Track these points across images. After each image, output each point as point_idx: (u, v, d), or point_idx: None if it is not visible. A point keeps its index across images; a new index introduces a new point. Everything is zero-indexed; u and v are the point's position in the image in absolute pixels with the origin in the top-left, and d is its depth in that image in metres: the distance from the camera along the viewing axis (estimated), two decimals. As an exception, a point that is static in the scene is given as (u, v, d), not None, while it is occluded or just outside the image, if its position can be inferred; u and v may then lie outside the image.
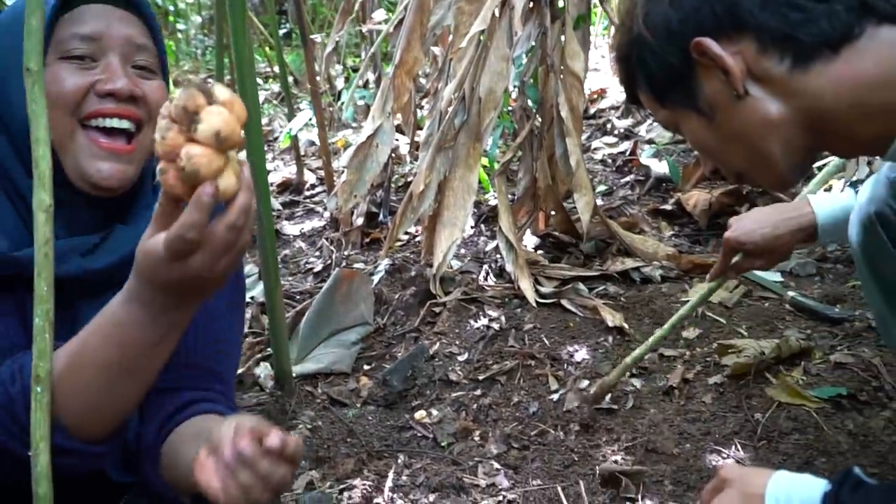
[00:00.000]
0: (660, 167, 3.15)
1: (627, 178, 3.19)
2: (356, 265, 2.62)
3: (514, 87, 2.50)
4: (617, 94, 4.47)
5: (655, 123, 3.85)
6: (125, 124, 0.99)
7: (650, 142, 3.50)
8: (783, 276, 2.20)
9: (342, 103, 3.00)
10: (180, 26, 6.49)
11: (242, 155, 0.77)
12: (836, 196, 1.40)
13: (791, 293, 2.04)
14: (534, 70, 2.32)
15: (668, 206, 2.83)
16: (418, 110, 3.24)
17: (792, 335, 1.81)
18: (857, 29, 0.89)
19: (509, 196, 2.44)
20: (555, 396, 1.80)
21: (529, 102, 2.37)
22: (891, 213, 1.14)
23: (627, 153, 3.40)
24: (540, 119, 2.35)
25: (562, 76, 2.24)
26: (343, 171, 3.00)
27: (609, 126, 3.91)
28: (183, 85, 0.76)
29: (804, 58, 0.91)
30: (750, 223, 1.46)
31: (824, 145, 0.99)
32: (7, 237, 0.96)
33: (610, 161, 3.46)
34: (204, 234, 0.75)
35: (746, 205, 2.74)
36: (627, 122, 3.94)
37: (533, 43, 2.29)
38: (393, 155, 2.97)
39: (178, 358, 0.94)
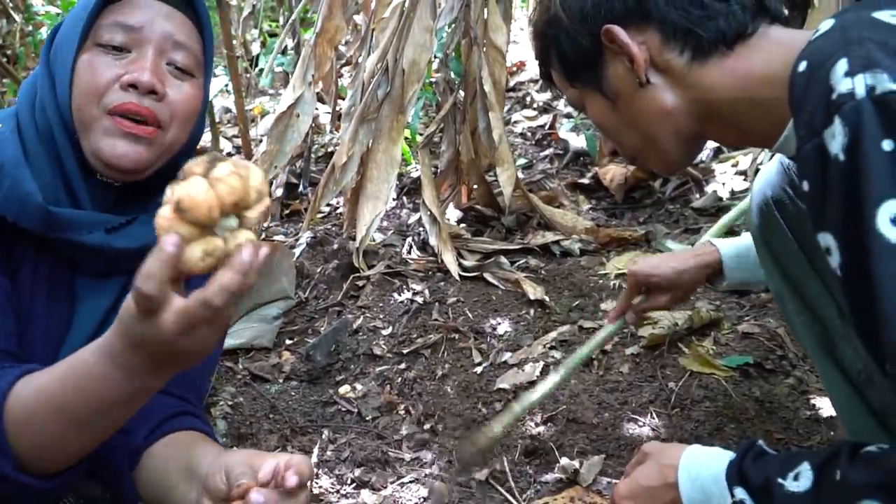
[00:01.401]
0: (578, 141, 3.21)
1: (547, 152, 3.24)
2: (276, 237, 2.57)
3: (437, 58, 2.48)
4: (536, 67, 4.51)
5: (573, 97, 3.91)
6: (142, 119, 0.99)
7: (568, 116, 3.55)
8: (694, 250, 2.28)
9: (260, 69, 2.91)
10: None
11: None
12: (737, 238, 1.48)
13: (702, 266, 2.12)
14: (457, 43, 2.31)
15: (585, 180, 2.89)
16: (339, 79, 3.18)
17: (703, 307, 1.89)
18: (751, 28, 0.97)
19: (432, 169, 2.44)
20: (478, 370, 1.83)
21: (452, 75, 2.37)
22: (786, 199, 1.22)
23: (547, 127, 3.45)
24: (463, 92, 2.35)
25: (484, 49, 2.24)
26: (261, 140, 2.93)
27: (528, 99, 3.94)
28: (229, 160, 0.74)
29: (702, 52, 0.98)
30: (656, 260, 1.50)
31: (714, 135, 1.06)
32: (44, 192, 0.96)
33: (529, 134, 3.49)
34: (165, 295, 0.71)
35: (660, 179, 2.83)
36: (546, 95, 3.99)
37: (456, 15, 2.28)
38: (313, 124, 2.91)
39: None
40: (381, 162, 2.22)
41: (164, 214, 0.71)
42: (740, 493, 0.91)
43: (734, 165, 2.90)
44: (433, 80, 2.69)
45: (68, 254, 1.00)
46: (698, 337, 1.81)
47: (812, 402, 1.58)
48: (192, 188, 0.70)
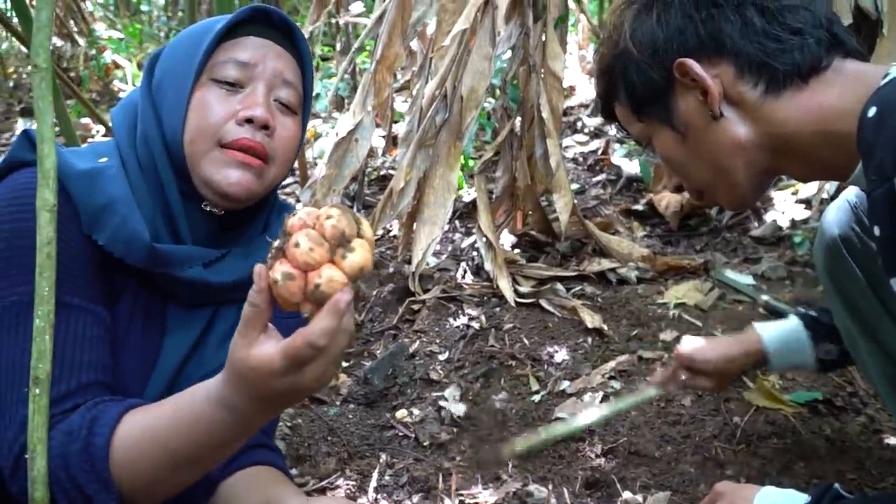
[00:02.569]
0: (631, 167, 3.19)
1: (599, 178, 3.22)
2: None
3: (494, 85, 2.50)
4: (587, 91, 4.51)
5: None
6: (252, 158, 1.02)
7: (621, 141, 3.53)
8: (755, 280, 2.24)
9: (317, 94, 2.96)
10: (144, 7, 6.33)
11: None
12: (781, 322, 1.47)
13: (764, 297, 2.08)
14: (515, 70, 2.32)
15: (639, 207, 2.87)
16: (394, 104, 3.21)
17: (767, 339, 1.85)
18: (826, 61, 0.97)
19: (487, 195, 2.44)
20: (536, 398, 1.81)
21: (510, 102, 2.38)
22: (855, 238, 1.20)
23: (599, 152, 3.44)
24: (520, 119, 2.35)
25: (542, 76, 2.25)
26: (316, 162, 2.97)
27: (580, 124, 3.94)
28: (339, 207, 0.78)
29: (777, 85, 0.97)
30: (703, 344, 1.50)
31: (786, 169, 1.05)
32: (148, 226, 0.99)
33: (581, 159, 3.48)
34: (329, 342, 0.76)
35: (716, 208, 2.79)
36: (597, 120, 3.97)
37: (514, 42, 2.29)
38: (366, 148, 2.95)
39: None
40: (437, 187, 2.23)
41: (338, 279, 0.76)
42: None
43: (794, 194, 2.85)
44: (487, 106, 2.71)
45: (165, 286, 1.02)
46: (764, 371, 1.77)
47: (886, 441, 1.53)
48: (369, 256, 0.78)
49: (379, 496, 1.59)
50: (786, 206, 2.78)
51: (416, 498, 1.58)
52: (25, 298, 0.87)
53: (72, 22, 4.88)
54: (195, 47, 1.02)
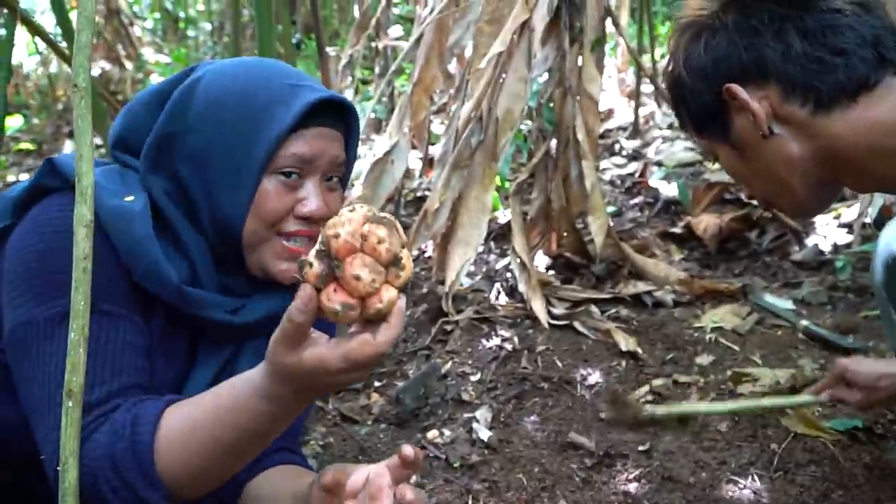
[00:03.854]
0: (669, 190, 3.16)
1: (636, 200, 3.20)
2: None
3: (530, 107, 2.50)
4: (625, 114, 4.50)
5: (663, 146, 3.86)
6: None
7: (659, 164, 3.51)
8: (795, 305, 2.20)
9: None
10: (191, 33, 6.51)
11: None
12: None
13: (804, 322, 2.04)
14: (550, 92, 2.33)
15: (677, 230, 2.84)
16: (430, 125, 3.24)
17: (806, 365, 1.81)
18: (874, 78, 1.00)
19: (522, 216, 2.44)
20: (571, 419, 1.79)
21: (545, 124, 2.38)
22: None
23: (636, 175, 3.42)
24: (555, 141, 2.36)
25: (578, 99, 2.25)
26: (353, 184, 3.01)
27: (617, 147, 3.92)
28: (381, 222, 0.79)
29: (824, 104, 1.01)
30: (867, 360, 1.54)
31: (847, 181, 1.08)
32: (177, 272, 1.02)
33: (618, 182, 3.47)
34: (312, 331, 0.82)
35: (756, 230, 2.76)
36: (636, 142, 3.96)
37: (550, 65, 2.30)
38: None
39: None
40: (472, 208, 2.24)
41: (398, 299, 0.80)
42: None
43: (836, 218, 2.79)
44: (524, 128, 2.72)
45: (194, 322, 1.05)
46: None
47: (929, 471, 1.49)
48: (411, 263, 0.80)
49: (408, 516, 1.58)
50: (827, 230, 2.72)
51: (445, 519, 1.57)
52: (63, 309, 0.90)
53: (119, 46, 5.04)
54: (252, 133, 1.00)
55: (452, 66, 3.05)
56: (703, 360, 1.94)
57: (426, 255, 2.79)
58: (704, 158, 1.27)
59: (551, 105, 2.42)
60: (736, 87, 1.03)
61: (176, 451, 0.89)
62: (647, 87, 4.58)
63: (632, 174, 3.46)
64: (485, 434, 1.79)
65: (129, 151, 1.07)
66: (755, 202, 2.87)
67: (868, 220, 2.65)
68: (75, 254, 0.84)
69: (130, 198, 1.00)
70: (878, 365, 1.46)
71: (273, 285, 1.11)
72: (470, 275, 2.52)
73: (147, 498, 0.88)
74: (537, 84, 2.46)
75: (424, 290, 2.37)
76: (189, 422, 0.90)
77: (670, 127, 4.27)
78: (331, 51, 3.94)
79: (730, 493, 1.51)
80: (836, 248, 2.57)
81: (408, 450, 0.85)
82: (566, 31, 2.27)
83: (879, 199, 2.35)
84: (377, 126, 3.74)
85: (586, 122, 2.23)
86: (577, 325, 2.13)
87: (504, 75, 2.20)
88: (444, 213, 2.26)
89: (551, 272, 2.46)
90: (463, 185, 2.24)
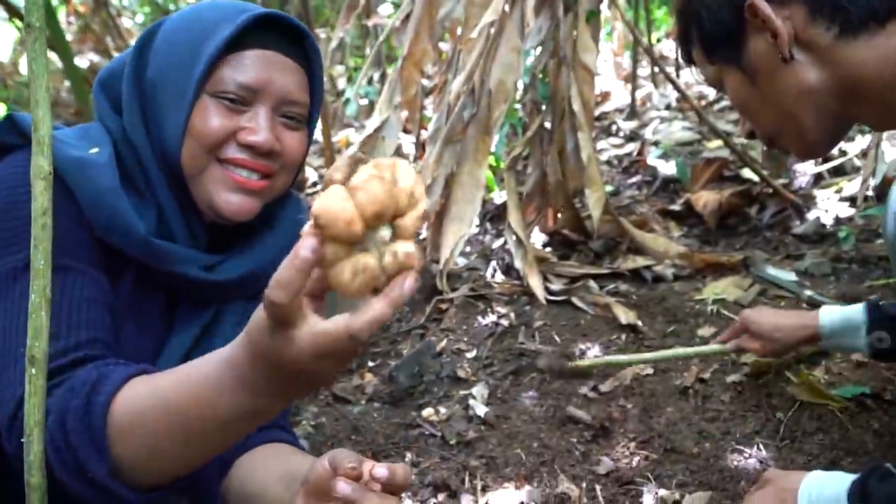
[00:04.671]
0: (667, 168, 3.11)
1: (634, 179, 3.15)
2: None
3: (524, 81, 2.45)
4: (622, 97, 4.45)
5: (661, 126, 3.81)
6: (256, 176, 0.99)
7: (656, 143, 3.46)
8: (798, 276, 2.15)
9: (347, 99, 2.95)
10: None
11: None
12: (847, 307, 1.48)
13: (808, 292, 1.99)
14: (544, 64, 2.28)
15: (676, 207, 2.79)
16: (423, 110, 3.19)
17: (811, 334, 1.76)
18: None
19: (517, 192, 2.39)
20: (570, 393, 1.74)
21: (539, 97, 2.33)
22: None
23: (634, 154, 3.37)
24: (551, 113, 2.30)
25: (573, 69, 2.20)
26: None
27: (614, 128, 3.87)
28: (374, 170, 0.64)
29: (851, 28, 0.93)
30: (766, 311, 1.61)
31: (859, 115, 1.02)
32: (146, 225, 0.96)
33: (616, 162, 3.41)
34: (299, 309, 0.66)
35: (756, 205, 2.70)
36: (633, 123, 3.91)
37: (544, 36, 2.25)
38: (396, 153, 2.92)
39: None
40: (465, 184, 2.18)
41: (305, 231, 0.64)
42: None
43: (837, 192, 2.74)
44: (518, 105, 2.66)
45: (167, 284, 0.99)
46: (808, 365, 1.68)
47: (940, 437, 1.43)
48: (329, 201, 0.62)
49: (404, 495, 1.53)
50: (828, 203, 2.67)
51: (441, 497, 1.52)
52: (20, 264, 0.85)
53: (108, 38, 4.98)
54: (194, 53, 0.95)
55: (445, 46, 3.00)
56: (705, 331, 1.88)
57: (419, 235, 2.74)
58: (711, 87, 1.17)
59: (546, 81, 2.37)
60: (760, 3, 0.95)
61: (131, 421, 0.78)
62: (643, 71, 4.54)
63: (629, 154, 3.41)
64: (481, 410, 1.74)
65: (109, 98, 1.03)
66: (754, 177, 2.82)
67: (870, 192, 2.61)
68: (34, 209, 0.79)
69: (95, 150, 0.95)
70: (777, 316, 1.53)
71: (254, 242, 1.06)
72: (464, 254, 2.46)
73: (89, 465, 0.78)
74: (530, 55, 2.40)
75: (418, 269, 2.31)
76: (153, 397, 0.79)
77: (667, 108, 4.22)
78: (321, 32, 3.88)
79: (735, 463, 1.46)
80: (838, 221, 2.52)
81: (380, 472, 0.77)
82: (560, 1, 2.21)
83: (883, 168, 2.30)
84: (370, 112, 3.69)
85: (582, 92, 2.17)
86: (575, 300, 2.07)
87: (497, 46, 2.14)
88: (437, 190, 2.20)
89: (548, 249, 2.41)
90: (456, 160, 2.19)
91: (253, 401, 0.74)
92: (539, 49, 2.31)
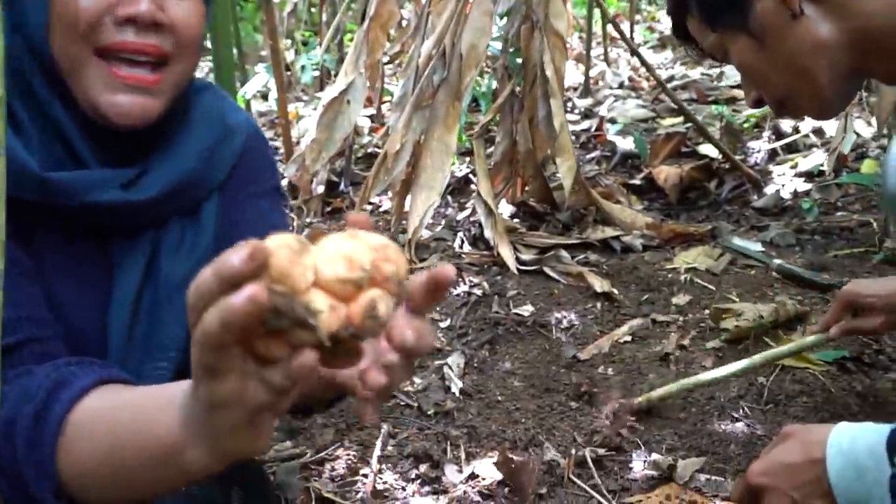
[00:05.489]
0: (625, 143, 3.11)
1: (593, 154, 3.14)
2: (320, 233, 2.47)
3: (494, 51, 2.40)
4: (574, 76, 4.44)
5: (615, 104, 3.82)
6: (144, 71, 0.82)
7: (612, 121, 3.46)
8: (764, 246, 2.16)
9: (303, 66, 2.84)
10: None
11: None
12: None
13: (777, 261, 2.00)
14: (517, 28, 2.22)
15: (636, 181, 2.79)
16: (384, 73, 3.10)
17: (786, 301, 1.77)
18: None
19: (486, 161, 2.33)
20: (547, 363, 1.71)
21: (510, 62, 2.27)
22: None
23: (593, 129, 3.35)
24: (522, 80, 2.25)
25: (546, 35, 2.15)
26: (299, 142, 2.84)
27: (570, 105, 3.86)
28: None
29: None
30: (871, 281, 1.41)
31: (872, 69, 0.99)
32: (43, 156, 0.80)
33: (573, 138, 3.39)
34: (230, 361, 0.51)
35: (716, 180, 2.72)
36: (587, 101, 3.91)
37: (515, 0, 2.20)
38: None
39: None
40: (435, 150, 2.12)
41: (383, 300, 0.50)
42: None
43: (793, 167, 2.79)
44: (484, 74, 2.61)
45: (89, 221, 0.85)
46: (785, 331, 1.69)
47: (921, 397, 1.45)
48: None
49: (383, 466, 1.47)
50: (784, 179, 2.72)
51: (422, 468, 1.46)
52: None
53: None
54: None
55: (408, 13, 2.92)
56: (680, 299, 1.87)
57: (381, 209, 2.66)
58: (712, 59, 1.12)
59: (516, 49, 2.31)
60: None
61: (80, 437, 0.67)
62: (595, 51, 4.54)
63: (587, 130, 3.40)
64: (458, 380, 1.69)
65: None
66: (712, 152, 2.84)
67: (826, 167, 2.66)
68: None
69: None
70: (888, 284, 1.35)
71: (171, 148, 0.90)
72: (430, 227, 2.40)
73: (30, 482, 0.67)
74: (501, 28, 2.35)
75: (384, 240, 2.24)
76: (109, 408, 0.67)
77: (620, 86, 4.24)
78: None
79: (722, 427, 1.45)
80: (797, 195, 2.55)
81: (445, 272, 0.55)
82: (531, -36, 2.16)
83: (851, 139, 2.34)
84: (321, 84, 3.57)
85: (554, 59, 2.13)
86: (546, 270, 2.04)
87: (468, 9, 2.08)
88: (405, 156, 2.13)
89: (515, 221, 2.37)
90: (425, 125, 2.12)
91: (183, 442, 0.58)
92: (510, 14, 2.26)
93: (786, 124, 3.16)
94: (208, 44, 1.66)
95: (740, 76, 1.08)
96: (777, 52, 0.98)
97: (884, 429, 0.85)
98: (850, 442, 0.87)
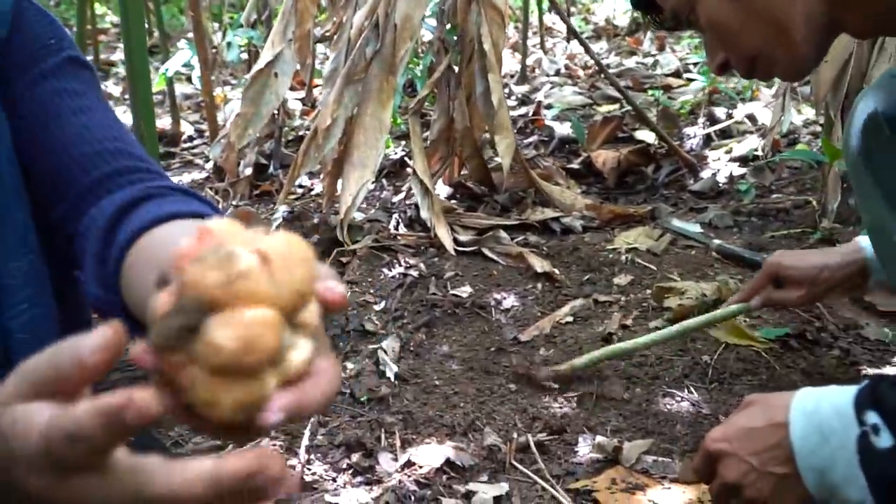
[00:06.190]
0: (563, 129, 3.07)
1: (531, 139, 3.09)
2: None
3: (428, 24, 2.31)
4: (510, 64, 4.39)
5: (552, 90, 3.78)
6: None
7: (549, 107, 3.43)
8: (702, 228, 2.14)
9: (227, 42, 2.70)
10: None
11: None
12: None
13: (716, 241, 1.98)
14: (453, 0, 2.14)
15: (574, 165, 2.74)
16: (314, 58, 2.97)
17: (728, 279, 1.73)
18: None
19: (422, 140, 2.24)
20: (486, 345, 1.63)
21: (447, 34, 2.19)
22: None
23: (530, 115, 3.31)
24: (458, 55, 2.17)
25: (483, 7, 2.08)
26: (224, 125, 2.69)
27: (507, 92, 3.80)
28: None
29: None
30: (797, 253, 1.40)
31: (847, 21, 0.93)
32: None
33: (511, 123, 3.34)
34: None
35: (652, 164, 2.70)
36: (524, 88, 3.86)
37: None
38: (283, 108, 2.70)
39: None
40: (368, 127, 2.02)
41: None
42: (872, 416, 0.76)
43: (728, 152, 2.80)
44: (419, 51, 2.52)
45: None
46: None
47: (864, 372, 1.43)
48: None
49: (312, 457, 1.37)
50: (719, 164, 2.72)
51: (355, 457, 1.36)
52: None
53: None
54: None
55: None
56: (622, 280, 1.82)
57: (312, 193, 2.54)
58: (674, 28, 1.04)
59: (452, 25, 2.23)
60: None
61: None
62: (531, 41, 4.52)
63: (524, 115, 3.35)
64: (393, 364, 1.59)
65: None
66: (648, 138, 2.83)
67: (760, 152, 2.67)
68: None
69: None
70: (811, 257, 1.35)
71: None
72: (362, 209, 2.30)
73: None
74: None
75: (315, 221, 2.13)
76: None
77: (557, 73, 4.21)
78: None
79: (668, 407, 1.40)
80: (732, 180, 2.55)
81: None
82: (468, -66, 2.08)
83: (789, 118, 2.34)
84: (248, 66, 3.41)
85: (492, 32, 2.06)
86: (485, 250, 1.97)
87: (402, -21, 1.98)
88: (337, 133, 2.02)
89: (453, 202, 2.29)
90: (357, 100, 2.02)
91: None
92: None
93: (720, 111, 3.18)
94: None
95: (705, 39, 1.01)
96: (750, 5, 0.92)
97: (850, 389, 0.81)
98: (814, 403, 0.83)
